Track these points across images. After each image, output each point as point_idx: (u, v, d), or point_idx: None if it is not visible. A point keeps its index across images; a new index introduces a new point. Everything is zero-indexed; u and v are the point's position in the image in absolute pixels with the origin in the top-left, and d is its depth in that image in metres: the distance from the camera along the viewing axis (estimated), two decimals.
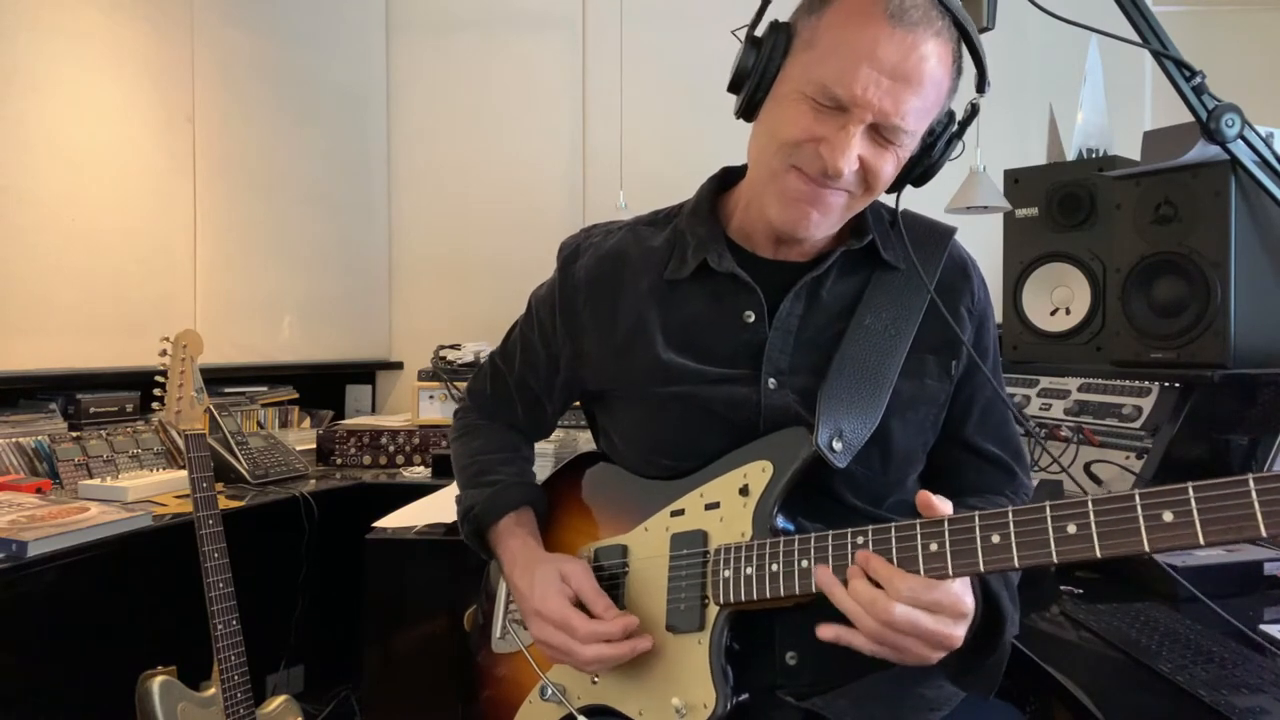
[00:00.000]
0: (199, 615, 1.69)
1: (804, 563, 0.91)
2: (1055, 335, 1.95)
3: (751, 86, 0.99)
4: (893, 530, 0.86)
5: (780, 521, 0.98)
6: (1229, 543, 0.69)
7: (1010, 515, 0.79)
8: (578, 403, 1.25)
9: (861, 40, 0.91)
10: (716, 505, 1.02)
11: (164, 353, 1.85)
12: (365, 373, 3.39)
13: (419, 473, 2.61)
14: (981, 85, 1.01)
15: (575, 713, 1.06)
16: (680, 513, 1.05)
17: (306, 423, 3.05)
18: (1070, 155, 2.12)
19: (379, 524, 2.01)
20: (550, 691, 1.09)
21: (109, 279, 2.42)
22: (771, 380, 1.03)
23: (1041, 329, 1.98)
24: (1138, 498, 0.72)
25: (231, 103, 2.81)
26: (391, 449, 2.72)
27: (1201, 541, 0.68)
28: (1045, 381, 1.88)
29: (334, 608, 2.49)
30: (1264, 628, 1.17)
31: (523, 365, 1.24)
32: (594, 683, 1.06)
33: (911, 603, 0.82)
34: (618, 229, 1.19)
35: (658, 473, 1.10)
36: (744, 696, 0.97)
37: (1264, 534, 0.66)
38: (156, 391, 1.84)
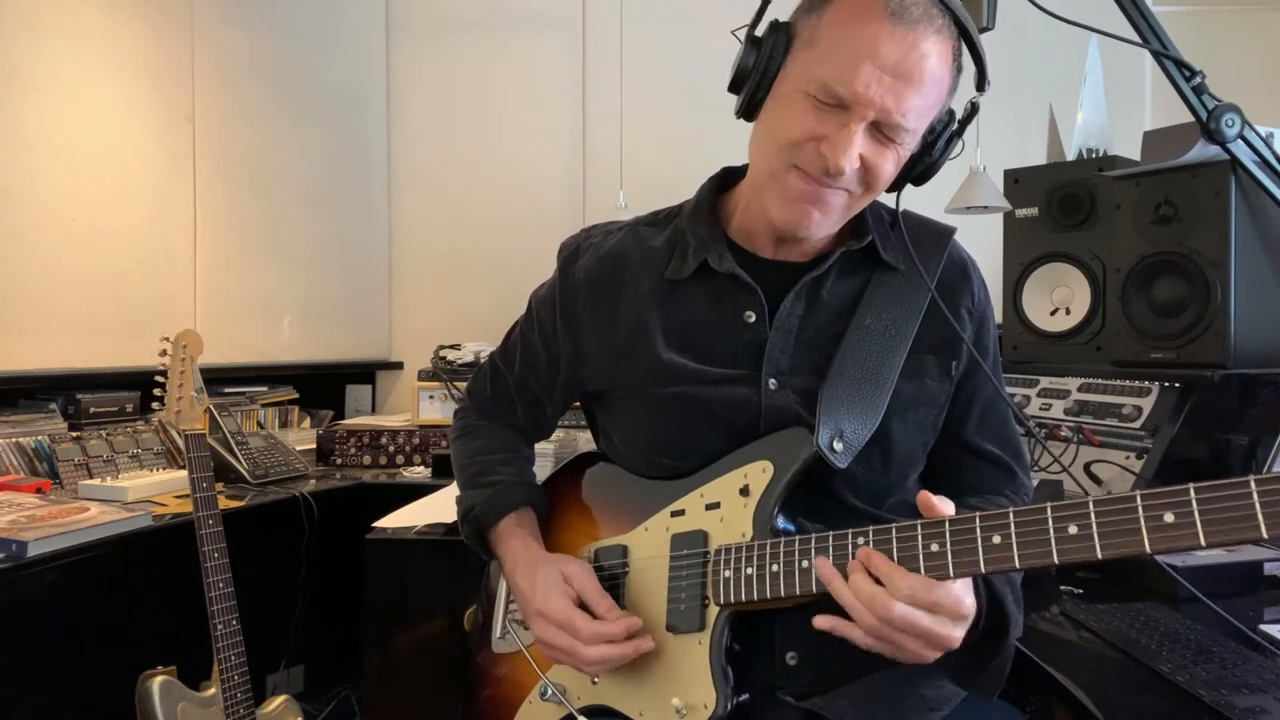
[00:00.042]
0: (199, 615, 1.69)
1: (804, 563, 0.91)
2: (1055, 335, 1.95)
3: (752, 86, 0.99)
4: (894, 530, 0.86)
5: (781, 522, 0.98)
6: (1230, 544, 0.69)
7: (1011, 516, 0.79)
8: (578, 403, 1.25)
9: (863, 38, 0.91)
10: (717, 505, 1.02)
11: (164, 353, 1.85)
12: (365, 373, 3.39)
13: (419, 473, 2.61)
14: (981, 84, 1.01)
15: (575, 713, 1.06)
16: (680, 513, 1.05)
17: (306, 423, 3.05)
18: (1070, 155, 2.12)
19: (379, 524, 2.01)
20: (550, 692, 1.09)
21: (109, 279, 2.42)
22: (772, 380, 1.03)
23: (1041, 329, 1.98)
24: (1139, 498, 0.72)
25: (231, 103, 2.81)
26: (391, 449, 2.72)
27: (1203, 543, 0.68)
28: (1045, 381, 1.88)
29: (334, 608, 2.49)
30: (1264, 628, 1.17)
31: (523, 366, 1.24)
32: (594, 683, 1.06)
33: (911, 601, 0.82)
34: (618, 229, 1.19)
35: (658, 473, 1.10)
36: (744, 697, 0.97)
37: (1265, 535, 0.66)
38: (156, 391, 1.84)
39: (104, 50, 2.42)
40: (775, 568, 0.92)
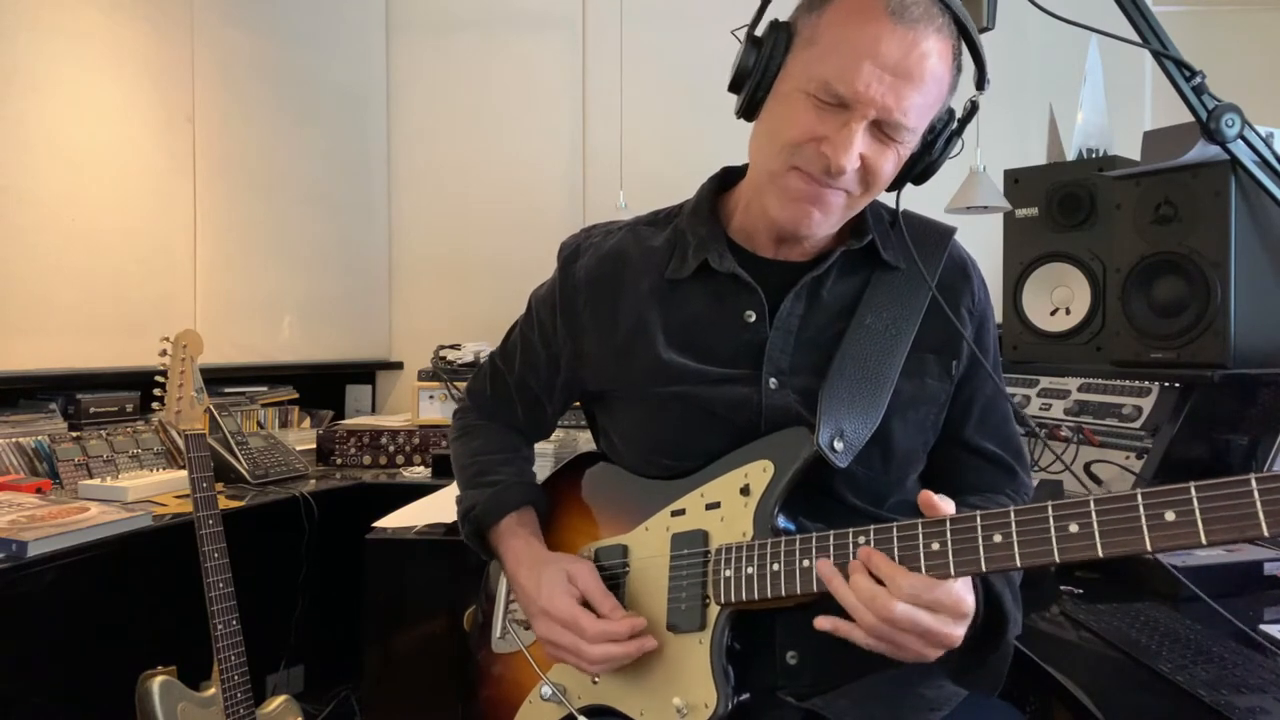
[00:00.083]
0: (199, 615, 1.68)
1: (805, 562, 0.91)
2: (1055, 335, 1.95)
3: (752, 86, 0.99)
4: (894, 529, 0.86)
5: (781, 521, 0.98)
6: (1231, 542, 0.69)
7: (1012, 515, 0.79)
8: (578, 403, 1.25)
9: (863, 37, 0.91)
10: (717, 505, 1.02)
11: (164, 353, 1.85)
12: (365, 373, 3.39)
13: (419, 473, 2.61)
14: (981, 83, 1.01)
15: (575, 713, 1.06)
16: (681, 512, 1.05)
17: (306, 423, 3.04)
18: (1070, 155, 2.12)
19: (379, 524, 2.01)
20: (550, 691, 1.09)
21: (109, 279, 2.42)
22: (772, 380, 1.03)
23: (1041, 329, 1.98)
24: (1140, 497, 0.72)
25: (231, 103, 2.81)
26: (391, 449, 2.72)
27: (1204, 541, 0.68)
28: (1045, 381, 1.88)
29: (334, 608, 2.49)
30: (1264, 628, 1.16)
31: (523, 365, 1.24)
32: (594, 683, 1.06)
33: (912, 601, 0.82)
34: (618, 229, 1.19)
35: (658, 473, 1.10)
36: (745, 696, 0.97)
37: (1266, 534, 0.66)
38: (156, 391, 1.84)
39: (104, 50, 2.42)
40: (776, 567, 0.92)
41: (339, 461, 2.72)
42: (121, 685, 1.65)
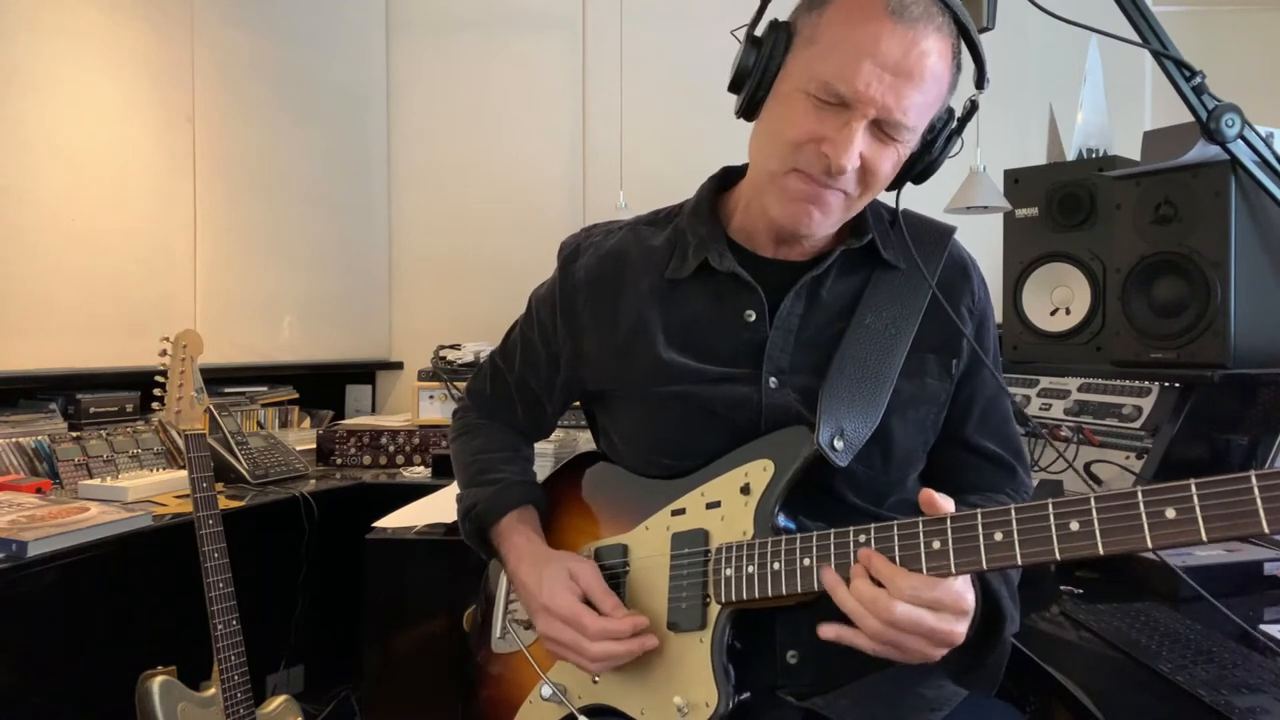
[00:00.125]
0: (199, 615, 1.68)
1: (806, 561, 0.91)
2: (1055, 335, 1.96)
3: (752, 85, 0.99)
4: (895, 528, 0.86)
5: (782, 520, 0.98)
6: (1231, 539, 0.69)
7: (1013, 513, 0.79)
8: (578, 403, 1.25)
9: (863, 36, 0.91)
10: (718, 504, 1.02)
11: (164, 353, 1.85)
12: (365, 373, 3.39)
13: (419, 473, 2.61)
14: (981, 82, 1.01)
15: (576, 713, 1.05)
16: (681, 512, 1.05)
17: (306, 423, 3.05)
18: (1070, 155, 2.12)
19: (379, 524, 2.01)
20: (551, 691, 1.09)
21: (109, 279, 2.42)
22: (772, 379, 1.03)
23: (1041, 329, 1.98)
24: (1140, 494, 0.72)
25: (231, 103, 2.81)
26: (391, 449, 2.72)
27: (1204, 538, 0.68)
28: (1045, 381, 1.88)
29: (334, 608, 2.49)
30: (1264, 628, 1.16)
31: (523, 365, 1.24)
32: (595, 682, 1.06)
33: (913, 601, 0.82)
34: (618, 229, 1.19)
35: (658, 472, 1.10)
36: (745, 695, 0.97)
37: (1266, 530, 0.66)
38: (156, 391, 1.84)
39: (104, 50, 2.42)
40: (776, 566, 0.92)
41: (339, 461, 2.72)
42: (121, 685, 1.65)
